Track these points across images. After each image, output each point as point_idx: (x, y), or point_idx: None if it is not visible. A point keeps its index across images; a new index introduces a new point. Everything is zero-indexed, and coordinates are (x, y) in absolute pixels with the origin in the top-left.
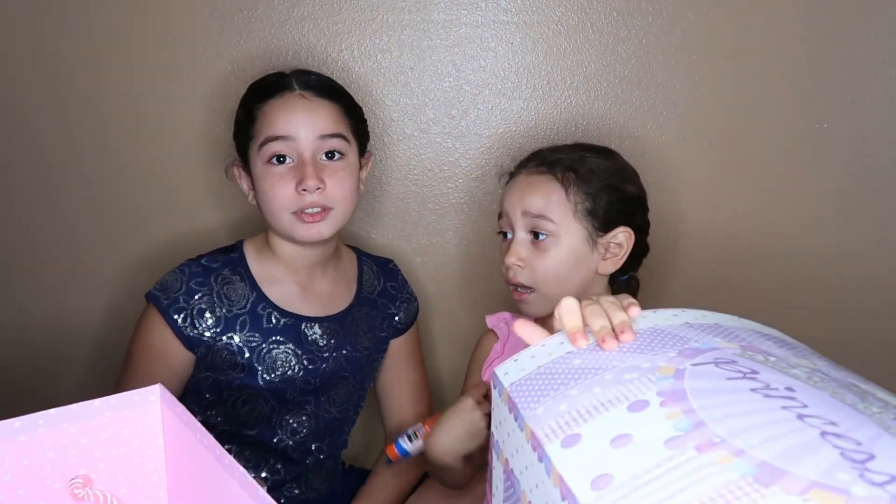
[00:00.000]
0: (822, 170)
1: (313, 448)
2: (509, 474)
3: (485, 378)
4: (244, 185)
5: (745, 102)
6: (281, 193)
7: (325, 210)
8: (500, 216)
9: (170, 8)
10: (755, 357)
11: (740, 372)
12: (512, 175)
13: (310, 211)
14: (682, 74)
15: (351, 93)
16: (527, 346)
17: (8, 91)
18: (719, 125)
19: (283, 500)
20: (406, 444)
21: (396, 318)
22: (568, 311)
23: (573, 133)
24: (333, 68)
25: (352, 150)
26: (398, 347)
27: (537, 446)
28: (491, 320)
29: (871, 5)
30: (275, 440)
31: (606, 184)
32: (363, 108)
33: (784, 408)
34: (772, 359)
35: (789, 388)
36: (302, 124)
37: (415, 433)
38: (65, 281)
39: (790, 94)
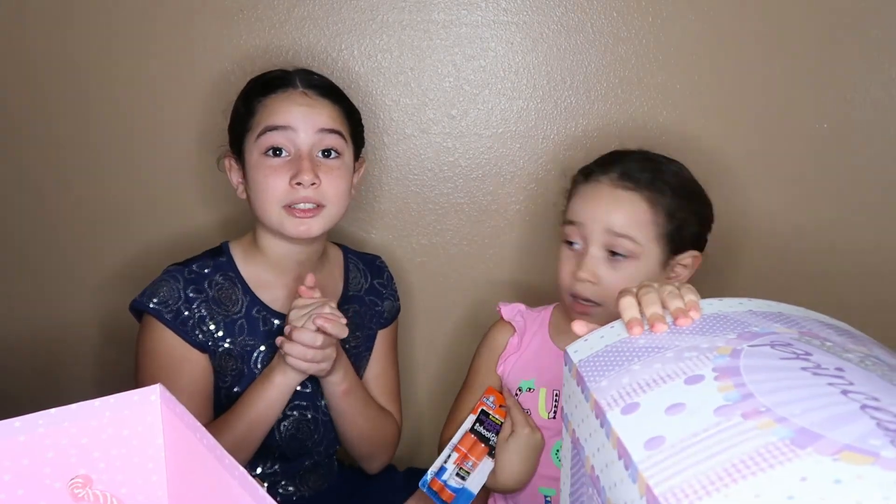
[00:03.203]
0: (823, 170)
1: (309, 446)
2: (576, 442)
3: (498, 371)
4: (234, 177)
5: (746, 102)
6: (274, 186)
7: (318, 207)
8: (568, 223)
9: (169, 8)
10: (812, 342)
11: (794, 353)
12: (585, 177)
13: (302, 206)
14: (682, 74)
15: (351, 93)
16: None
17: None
18: (719, 125)
19: (278, 499)
20: (463, 484)
21: (383, 313)
22: (626, 306)
23: (573, 133)
24: (333, 68)
25: (348, 151)
26: (379, 340)
27: (600, 414)
28: (507, 311)
29: (871, 6)
30: (272, 443)
31: (691, 209)
32: (363, 109)
33: (830, 384)
34: (828, 344)
35: (839, 369)
36: (302, 117)
37: (462, 468)
38: (62, 280)
39: (790, 94)
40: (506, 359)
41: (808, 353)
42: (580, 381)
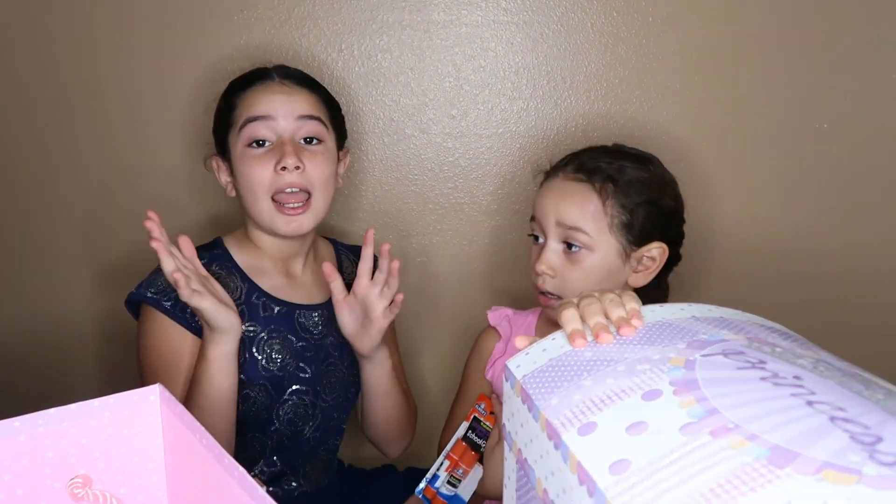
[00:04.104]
0: (823, 170)
1: (308, 436)
2: (522, 464)
3: (487, 377)
4: (223, 177)
5: (746, 102)
6: (260, 175)
7: (305, 202)
8: (532, 218)
9: (169, 8)
10: (762, 348)
11: (748, 362)
12: (547, 175)
13: (291, 204)
14: (682, 74)
15: (351, 93)
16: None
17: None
18: (719, 125)
19: (280, 494)
20: (454, 491)
21: None
22: (567, 319)
23: (573, 133)
24: (333, 68)
25: (330, 138)
26: None
27: (553, 435)
28: (493, 317)
29: (871, 5)
30: (271, 429)
31: (645, 198)
32: (363, 109)
33: (793, 395)
34: (778, 350)
35: (797, 377)
36: (281, 105)
37: (453, 475)
38: (61, 279)
39: (790, 93)
40: (493, 364)
41: (762, 362)
42: (526, 398)
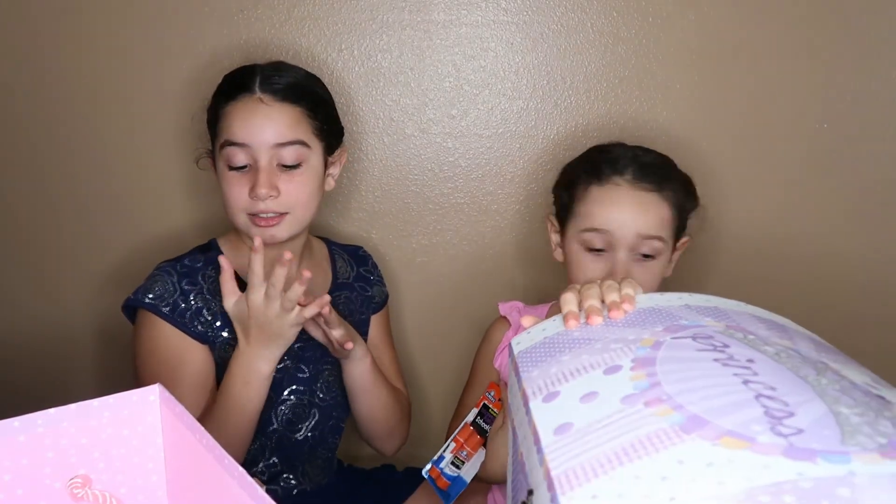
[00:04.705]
0: (823, 169)
1: (306, 435)
2: (514, 431)
3: (496, 365)
4: (216, 175)
5: (746, 102)
6: (237, 196)
7: (280, 216)
8: (590, 230)
9: (169, 8)
10: (734, 335)
11: (712, 346)
12: (595, 182)
13: (265, 215)
14: (682, 74)
15: (351, 93)
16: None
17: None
18: (719, 126)
19: (279, 492)
20: (457, 472)
21: (373, 298)
22: (565, 301)
23: (573, 133)
24: (333, 68)
25: (314, 154)
26: (374, 326)
27: (525, 402)
28: (504, 307)
29: (871, 5)
30: (269, 429)
31: (688, 198)
32: (363, 109)
33: (735, 375)
34: (750, 337)
35: (750, 360)
36: (258, 131)
37: (457, 457)
38: (61, 279)
39: (790, 93)
40: (501, 352)
41: (725, 346)
42: (516, 371)
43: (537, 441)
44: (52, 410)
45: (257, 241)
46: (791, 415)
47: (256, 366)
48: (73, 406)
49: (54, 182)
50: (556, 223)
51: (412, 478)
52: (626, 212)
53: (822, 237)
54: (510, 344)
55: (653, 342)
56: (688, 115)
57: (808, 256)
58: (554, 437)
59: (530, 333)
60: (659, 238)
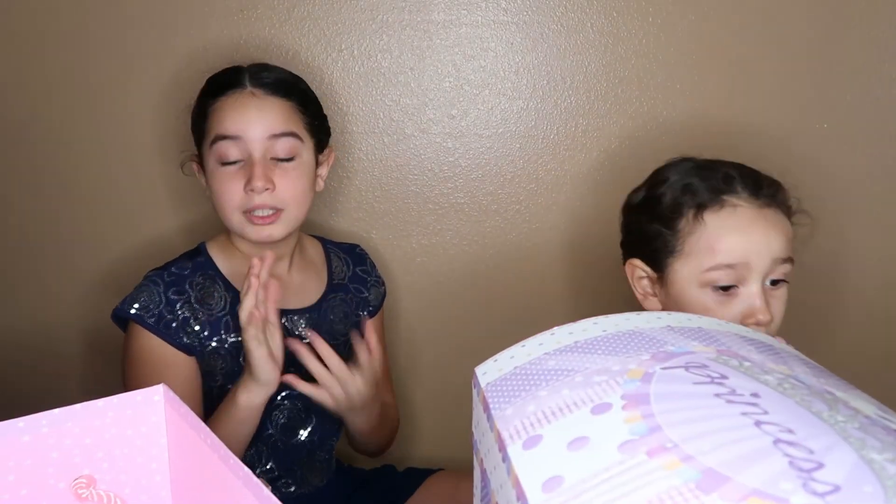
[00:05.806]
0: (823, 169)
1: (305, 440)
2: (483, 473)
3: None
4: (202, 180)
5: (746, 102)
6: (230, 193)
7: (276, 212)
8: (718, 267)
9: (169, 8)
10: (729, 362)
11: (709, 377)
12: (710, 204)
13: (259, 213)
14: (682, 74)
15: (351, 93)
16: None
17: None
18: (719, 126)
19: (278, 497)
20: None
21: (368, 301)
22: None
23: (573, 133)
24: (333, 68)
25: (306, 149)
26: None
27: (502, 447)
28: None
29: (871, 5)
30: (265, 434)
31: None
32: (363, 108)
33: (743, 414)
34: (746, 364)
35: (755, 394)
36: (251, 124)
37: None
38: (61, 279)
39: (790, 93)
40: None
41: (723, 377)
42: (486, 407)
43: (522, 497)
44: (56, 411)
45: (254, 272)
46: (820, 465)
47: (248, 398)
48: (77, 406)
49: (45, 184)
50: (647, 268)
51: (412, 478)
52: (756, 236)
53: (822, 234)
54: (475, 372)
55: (642, 374)
56: (687, 115)
57: (808, 254)
58: (543, 494)
59: (497, 361)
60: (790, 260)
